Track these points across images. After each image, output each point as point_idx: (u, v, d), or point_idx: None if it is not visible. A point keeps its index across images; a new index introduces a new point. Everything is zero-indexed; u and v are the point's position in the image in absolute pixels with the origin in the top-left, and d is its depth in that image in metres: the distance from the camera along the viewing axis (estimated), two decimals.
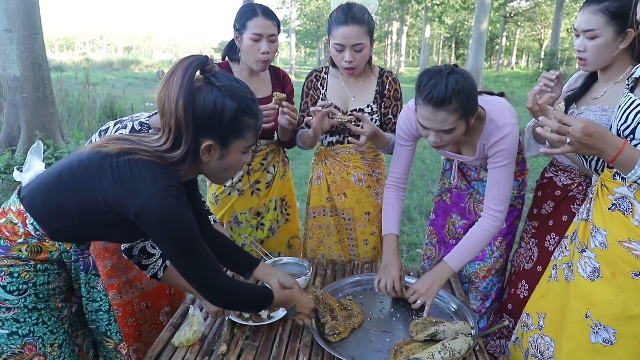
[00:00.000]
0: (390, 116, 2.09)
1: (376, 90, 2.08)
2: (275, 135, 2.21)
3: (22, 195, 1.19)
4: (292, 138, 2.16)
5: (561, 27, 22.76)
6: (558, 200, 1.92)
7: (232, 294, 1.30)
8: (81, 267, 1.25)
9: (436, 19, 24.68)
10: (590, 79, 1.80)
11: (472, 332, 1.49)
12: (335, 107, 2.04)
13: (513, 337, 1.67)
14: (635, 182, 1.21)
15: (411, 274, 1.94)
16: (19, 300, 1.15)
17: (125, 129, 1.63)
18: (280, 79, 2.21)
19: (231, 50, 2.12)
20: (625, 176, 1.23)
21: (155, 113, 1.61)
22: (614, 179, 1.30)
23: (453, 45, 43.33)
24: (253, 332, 1.56)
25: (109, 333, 1.34)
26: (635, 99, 1.23)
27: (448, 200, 2.13)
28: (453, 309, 1.69)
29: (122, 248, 1.54)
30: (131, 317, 1.87)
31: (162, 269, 1.55)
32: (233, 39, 2.05)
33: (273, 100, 1.90)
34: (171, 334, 1.54)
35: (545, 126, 1.23)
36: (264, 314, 1.63)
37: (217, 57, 2.19)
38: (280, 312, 1.63)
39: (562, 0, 21.85)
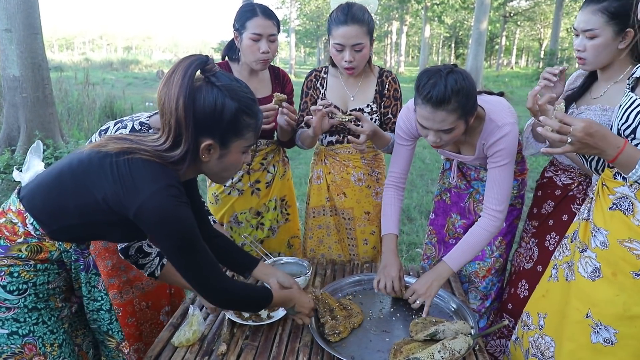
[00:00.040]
0: (390, 116, 2.09)
1: (376, 90, 2.08)
2: (275, 135, 2.21)
3: (22, 195, 1.19)
4: (292, 138, 2.16)
5: (561, 27, 22.76)
6: (558, 199, 1.92)
7: (231, 294, 1.30)
8: (81, 267, 1.25)
9: (436, 18, 24.69)
10: (590, 79, 1.80)
11: (472, 331, 1.49)
12: (335, 106, 2.04)
13: (513, 337, 1.67)
14: (636, 181, 1.21)
15: (411, 273, 1.94)
16: (19, 300, 1.15)
17: (126, 128, 1.63)
18: (280, 79, 2.21)
19: (231, 50, 2.12)
20: (626, 176, 1.23)
21: (156, 113, 1.61)
22: (614, 178, 1.30)
23: (453, 45, 43.35)
24: (253, 331, 1.56)
25: (110, 332, 1.34)
26: (636, 99, 1.23)
27: (448, 200, 2.13)
28: (453, 309, 1.69)
29: (119, 248, 1.54)
30: (132, 316, 1.87)
31: (159, 267, 1.56)
32: (233, 39, 2.05)
33: (273, 101, 1.90)
34: (171, 333, 1.54)
35: (546, 126, 1.23)
36: (263, 313, 1.64)
37: (217, 57, 2.19)
38: (280, 312, 1.63)
39: None
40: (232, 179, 2.17)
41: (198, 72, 1.17)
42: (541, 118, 1.23)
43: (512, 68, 37.21)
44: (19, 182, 1.50)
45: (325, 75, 2.13)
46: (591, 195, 1.43)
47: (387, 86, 2.08)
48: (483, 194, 1.80)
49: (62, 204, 1.15)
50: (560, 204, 1.92)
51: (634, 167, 1.19)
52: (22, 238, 1.15)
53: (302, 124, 2.10)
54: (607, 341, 1.29)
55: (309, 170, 2.32)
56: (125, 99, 9.94)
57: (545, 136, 1.23)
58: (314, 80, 2.14)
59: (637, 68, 1.31)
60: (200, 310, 1.65)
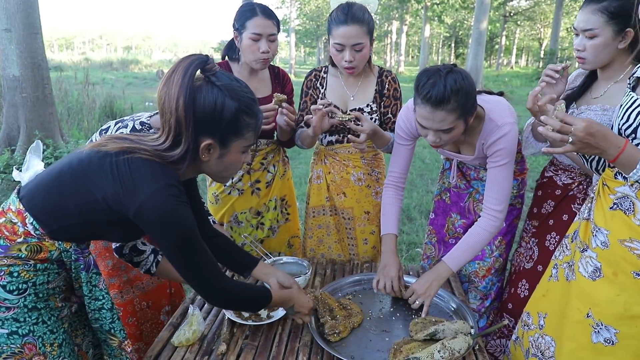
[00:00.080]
0: (389, 115, 2.09)
1: (376, 90, 2.08)
2: (275, 135, 2.21)
3: (22, 194, 1.19)
4: (291, 138, 2.16)
5: (561, 27, 22.76)
6: (558, 199, 1.92)
7: (231, 294, 1.30)
8: (82, 266, 1.25)
9: (436, 18, 24.70)
10: (590, 78, 1.79)
11: (472, 331, 1.49)
12: (335, 106, 2.04)
13: (513, 337, 1.67)
14: (637, 181, 1.21)
15: (410, 273, 1.94)
16: (19, 299, 1.15)
17: (126, 128, 1.63)
18: (280, 79, 2.20)
19: (231, 49, 2.12)
20: (627, 175, 1.23)
21: (157, 113, 1.61)
22: (615, 178, 1.30)
23: (453, 45, 43.34)
24: (252, 331, 1.56)
25: (112, 331, 1.34)
26: (637, 98, 1.23)
27: (447, 200, 2.13)
28: (453, 309, 1.69)
29: (113, 247, 1.54)
30: (132, 316, 1.87)
31: (154, 264, 1.56)
32: (233, 39, 2.05)
33: (273, 101, 1.90)
34: (171, 333, 1.54)
35: (547, 125, 1.22)
36: (263, 313, 1.64)
37: (217, 57, 2.18)
38: (280, 312, 1.62)
39: None
40: (232, 179, 2.17)
41: (198, 72, 1.17)
42: (542, 118, 1.23)
43: (512, 68, 37.20)
44: (19, 181, 1.50)
45: (325, 75, 2.13)
46: (592, 195, 1.43)
47: (386, 86, 2.08)
48: (483, 194, 1.80)
49: (62, 203, 1.15)
50: (560, 204, 1.91)
51: (635, 167, 1.19)
52: (22, 238, 1.15)
53: (302, 124, 2.10)
54: (608, 341, 1.29)
55: (309, 170, 2.32)
56: (125, 99, 9.94)
57: (546, 136, 1.23)
58: (313, 80, 2.14)
59: (637, 68, 1.31)
60: (200, 310, 1.65)
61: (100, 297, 1.31)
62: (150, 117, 1.67)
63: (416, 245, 3.93)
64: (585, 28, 1.62)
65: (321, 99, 2.09)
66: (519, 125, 1.73)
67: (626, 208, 1.26)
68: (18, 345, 1.15)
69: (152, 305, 1.95)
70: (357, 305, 1.66)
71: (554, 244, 1.90)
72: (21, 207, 1.16)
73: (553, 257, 1.56)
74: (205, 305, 1.71)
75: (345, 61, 1.92)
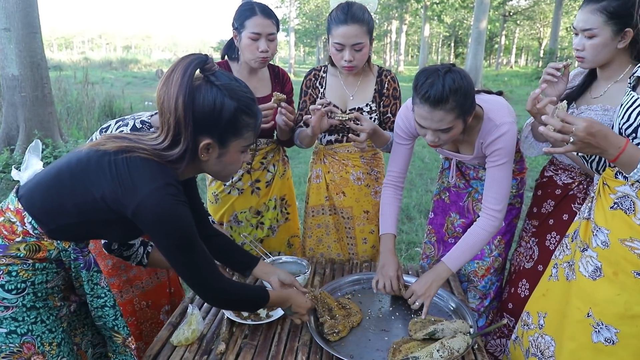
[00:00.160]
0: (389, 115, 2.09)
1: (375, 89, 2.08)
2: (275, 134, 2.21)
3: (21, 194, 1.19)
4: (291, 137, 2.16)
5: (560, 26, 22.76)
6: (558, 199, 1.92)
7: (228, 294, 1.30)
8: (81, 265, 1.25)
9: (435, 17, 24.71)
10: (590, 78, 1.79)
11: (471, 330, 1.49)
12: (335, 106, 2.04)
13: (513, 336, 1.67)
14: (637, 181, 1.21)
15: (410, 272, 1.94)
16: (18, 299, 1.15)
17: (127, 126, 1.64)
18: (279, 78, 2.20)
19: (230, 49, 2.12)
20: (627, 175, 1.23)
21: (157, 112, 1.62)
22: (615, 177, 1.30)
23: (452, 44, 43.33)
24: (252, 331, 1.56)
25: (116, 328, 1.34)
26: (638, 98, 1.23)
27: (447, 199, 2.13)
28: (452, 308, 1.69)
29: (102, 242, 1.55)
30: (132, 316, 1.87)
31: (145, 255, 1.57)
32: (232, 38, 2.05)
33: (272, 100, 1.90)
34: (170, 333, 1.54)
35: (548, 125, 1.22)
36: (262, 312, 1.64)
37: (216, 56, 2.18)
38: (279, 311, 1.62)
39: None
40: (232, 178, 2.17)
41: (197, 71, 1.17)
42: (543, 117, 1.23)
43: (511, 67, 37.20)
44: (18, 181, 1.50)
45: (324, 75, 2.13)
46: (592, 195, 1.42)
47: (386, 85, 2.08)
48: (482, 193, 1.79)
49: (61, 202, 1.15)
50: (560, 204, 1.91)
51: (636, 167, 1.19)
52: (21, 237, 1.15)
53: (301, 123, 2.10)
54: (608, 340, 1.29)
55: (308, 170, 2.32)
56: (124, 98, 9.93)
57: (547, 136, 1.22)
58: (313, 79, 2.14)
59: (638, 67, 1.31)
60: (200, 309, 1.65)
61: (103, 295, 1.31)
62: (151, 116, 1.67)
63: (415, 244, 3.93)
64: (585, 28, 1.62)
65: (320, 98, 2.09)
66: (518, 124, 1.73)
67: (627, 207, 1.26)
68: (17, 345, 1.15)
69: (151, 304, 1.95)
70: (356, 305, 1.66)
71: (554, 244, 1.89)
72: (20, 206, 1.16)
73: (553, 257, 1.55)
74: (205, 304, 1.71)
75: (345, 60, 1.92)
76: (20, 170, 1.58)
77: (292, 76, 13.41)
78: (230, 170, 1.29)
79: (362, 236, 2.22)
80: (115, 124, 1.67)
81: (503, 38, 36.54)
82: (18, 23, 5.65)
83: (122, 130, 1.63)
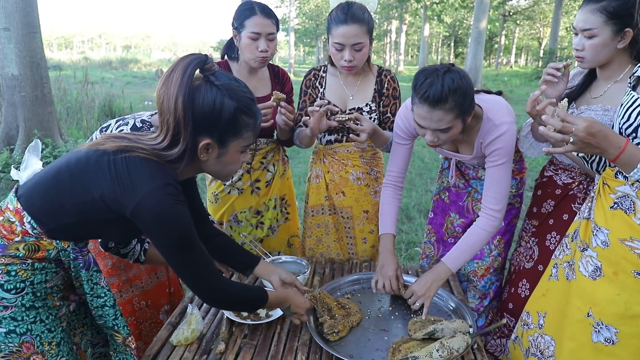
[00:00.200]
0: (389, 115, 2.09)
1: (375, 89, 2.08)
2: (275, 134, 2.21)
3: (20, 193, 1.19)
4: (291, 137, 2.16)
5: (560, 26, 22.76)
6: (558, 199, 1.92)
7: (227, 294, 1.30)
8: (81, 265, 1.25)
9: (435, 17, 24.71)
10: (589, 78, 1.79)
11: (471, 330, 1.49)
12: (334, 105, 2.04)
13: (513, 336, 1.67)
14: (637, 180, 1.21)
15: (410, 272, 1.94)
16: (17, 298, 1.15)
17: (127, 125, 1.64)
18: (279, 78, 2.20)
19: (230, 48, 2.12)
20: (627, 175, 1.23)
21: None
22: (616, 177, 1.30)
23: (452, 44, 43.33)
24: (251, 330, 1.56)
25: (116, 328, 1.34)
26: (638, 97, 1.23)
27: (446, 199, 2.13)
28: (451, 308, 1.69)
29: (99, 241, 1.55)
30: (131, 315, 1.87)
31: (142, 252, 1.57)
32: (232, 38, 2.05)
33: (272, 99, 1.90)
34: (169, 332, 1.54)
35: (548, 125, 1.22)
36: (262, 312, 1.64)
37: (216, 56, 2.18)
38: (279, 311, 1.62)
39: None
40: (232, 178, 2.17)
41: (197, 71, 1.17)
42: (544, 117, 1.22)
43: (511, 67, 37.21)
44: (17, 180, 1.50)
45: (324, 74, 2.13)
46: (592, 194, 1.42)
47: (386, 85, 2.08)
48: (482, 193, 1.80)
49: (60, 202, 1.15)
50: (560, 203, 1.91)
51: (636, 166, 1.19)
52: (20, 237, 1.15)
53: (301, 123, 2.10)
54: (608, 340, 1.29)
55: (308, 169, 2.32)
56: (124, 98, 9.92)
57: (547, 136, 1.22)
58: (312, 79, 2.14)
59: (638, 67, 1.31)
60: (199, 309, 1.65)
61: (102, 295, 1.31)
62: (151, 115, 1.67)
63: (415, 244, 3.93)
64: (584, 28, 1.62)
65: (320, 98, 2.09)
66: (518, 124, 1.73)
67: (627, 207, 1.26)
68: (16, 344, 1.15)
69: (151, 304, 1.95)
70: (356, 305, 1.66)
71: (554, 244, 1.89)
72: (19, 206, 1.16)
73: (553, 257, 1.55)
74: (204, 304, 1.71)
75: (345, 60, 1.92)
76: (19, 170, 1.58)
77: (291, 76, 13.41)
78: (230, 170, 1.29)
79: (362, 236, 2.22)
80: (116, 123, 1.67)
81: (503, 38, 36.54)
82: (18, 23, 5.65)
83: (123, 130, 1.63)
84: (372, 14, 1.95)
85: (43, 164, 1.57)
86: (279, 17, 2.10)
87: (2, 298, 1.13)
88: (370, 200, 2.19)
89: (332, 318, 1.54)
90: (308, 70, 2.20)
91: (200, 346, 1.48)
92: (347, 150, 2.14)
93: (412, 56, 59.78)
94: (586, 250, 1.36)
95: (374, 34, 2.02)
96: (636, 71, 1.31)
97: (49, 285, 1.21)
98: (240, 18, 1.94)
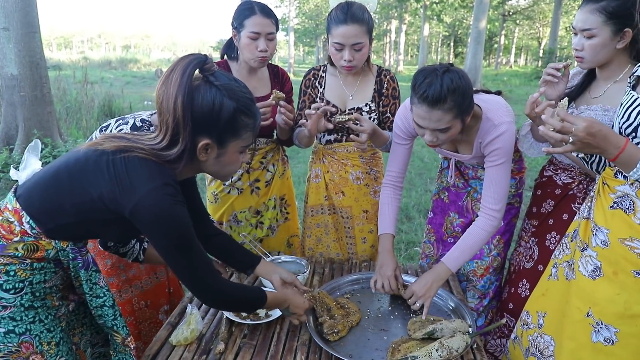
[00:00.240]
0: (388, 114, 2.09)
1: (374, 89, 2.08)
2: (275, 133, 2.21)
3: (19, 193, 1.19)
4: (290, 137, 2.16)
5: (560, 26, 22.77)
6: (558, 199, 1.92)
7: (226, 295, 1.30)
8: (80, 265, 1.25)
9: (435, 17, 24.73)
10: (589, 77, 1.79)
11: (470, 330, 1.49)
12: (334, 105, 2.04)
13: (512, 336, 1.67)
14: (637, 180, 1.21)
15: (409, 272, 1.94)
16: (16, 298, 1.15)
17: (127, 125, 1.63)
18: (279, 78, 2.20)
19: (230, 48, 2.12)
20: (627, 174, 1.23)
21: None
22: (615, 177, 1.30)
23: (452, 44, 43.34)
24: (251, 330, 1.56)
25: (115, 328, 1.34)
26: (638, 97, 1.23)
27: (446, 199, 2.13)
28: (451, 307, 1.69)
29: (99, 240, 1.55)
30: (130, 315, 1.87)
31: (141, 252, 1.57)
32: (231, 37, 2.05)
33: (271, 98, 1.90)
34: (169, 332, 1.53)
35: (547, 125, 1.22)
36: (261, 312, 1.63)
37: (216, 56, 2.18)
38: (278, 311, 1.62)
39: None
40: (232, 178, 2.17)
41: (197, 71, 1.16)
42: (543, 117, 1.22)
43: (511, 67, 37.21)
44: (16, 180, 1.50)
45: (323, 74, 2.12)
46: (592, 194, 1.42)
47: (385, 85, 2.08)
48: (481, 193, 1.80)
49: (59, 202, 1.15)
50: (560, 203, 1.91)
51: (635, 166, 1.19)
52: (19, 237, 1.15)
53: (300, 124, 2.10)
54: (608, 340, 1.29)
55: (308, 169, 2.32)
56: (123, 98, 9.92)
57: (546, 136, 1.22)
58: (312, 79, 2.14)
59: (638, 67, 1.31)
60: (199, 309, 1.65)
61: (102, 295, 1.31)
62: (151, 114, 1.67)
63: (415, 244, 3.93)
64: (584, 28, 1.62)
65: (320, 98, 2.09)
66: (517, 124, 1.73)
67: (626, 207, 1.26)
68: (15, 344, 1.15)
69: (150, 304, 1.95)
70: (355, 304, 1.66)
71: (554, 244, 1.89)
72: (18, 206, 1.16)
73: (553, 256, 1.55)
74: (203, 304, 1.71)
75: (345, 60, 1.92)
76: (18, 169, 1.58)
77: (291, 76, 13.41)
78: (229, 170, 1.29)
79: (361, 236, 2.22)
80: (115, 122, 1.67)
81: (502, 38, 36.55)
82: (17, 22, 5.64)
83: (122, 129, 1.63)
84: (371, 13, 1.95)
85: (42, 163, 1.57)
86: (279, 17, 2.10)
87: (1, 298, 1.13)
88: (369, 200, 2.19)
89: (332, 318, 1.54)
90: (307, 70, 2.20)
91: (199, 346, 1.48)
92: (347, 150, 2.14)
93: (411, 56, 59.79)
94: (586, 249, 1.36)
95: (374, 33, 2.02)
96: (636, 71, 1.31)
97: (48, 285, 1.21)
98: (240, 18, 1.94)
